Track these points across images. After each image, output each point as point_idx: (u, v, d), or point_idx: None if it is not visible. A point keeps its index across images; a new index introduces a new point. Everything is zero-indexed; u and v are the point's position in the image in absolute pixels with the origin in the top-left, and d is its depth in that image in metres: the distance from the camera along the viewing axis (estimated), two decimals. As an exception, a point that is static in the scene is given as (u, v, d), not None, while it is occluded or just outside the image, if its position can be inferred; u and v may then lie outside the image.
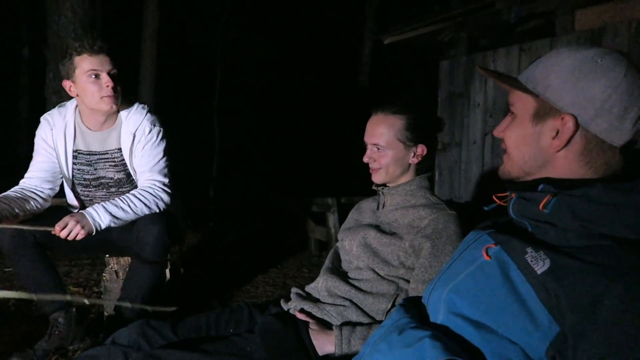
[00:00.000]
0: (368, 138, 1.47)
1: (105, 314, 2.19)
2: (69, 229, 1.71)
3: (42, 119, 2.03)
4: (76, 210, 2.09)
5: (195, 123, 8.32)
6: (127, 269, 1.98)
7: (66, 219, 1.73)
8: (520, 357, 0.70)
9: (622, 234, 0.71)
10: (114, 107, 1.93)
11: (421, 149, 1.45)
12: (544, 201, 0.77)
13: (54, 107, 5.41)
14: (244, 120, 9.04)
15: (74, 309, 2.01)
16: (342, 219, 3.85)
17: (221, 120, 8.45)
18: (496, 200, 0.93)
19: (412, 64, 9.03)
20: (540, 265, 0.72)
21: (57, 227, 1.71)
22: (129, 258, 2.13)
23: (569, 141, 0.80)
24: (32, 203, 1.91)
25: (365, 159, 1.49)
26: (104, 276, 2.21)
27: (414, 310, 0.92)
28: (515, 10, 3.44)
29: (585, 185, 0.77)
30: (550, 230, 0.78)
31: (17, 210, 1.83)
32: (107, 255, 2.20)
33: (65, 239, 1.72)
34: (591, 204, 0.74)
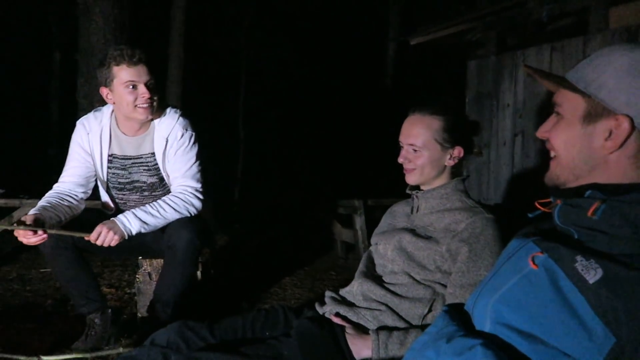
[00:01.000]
0: (404, 138, 1.46)
1: (139, 315, 2.23)
2: (102, 237, 1.75)
3: (78, 123, 2.08)
4: (111, 212, 2.13)
5: (220, 125, 8.40)
6: (160, 272, 2.01)
7: (99, 227, 1.77)
8: (574, 368, 0.68)
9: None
10: (149, 116, 1.97)
11: (458, 151, 1.43)
12: (593, 208, 0.75)
13: (84, 110, 5.53)
14: (268, 122, 9.10)
15: (110, 310, 2.05)
16: (368, 220, 3.84)
17: (246, 122, 8.52)
18: (539, 207, 0.90)
19: (437, 65, 8.93)
20: (592, 274, 0.70)
21: (92, 235, 1.76)
22: (162, 260, 2.16)
23: (623, 143, 0.78)
24: (69, 207, 1.95)
25: (400, 160, 1.47)
26: (137, 278, 2.25)
27: (459, 318, 0.91)
28: (547, 8, 3.37)
29: (635, 189, 0.75)
30: (600, 237, 0.76)
31: (60, 216, 1.88)
32: (140, 258, 2.23)
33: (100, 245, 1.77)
34: None
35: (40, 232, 1.71)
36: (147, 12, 7.27)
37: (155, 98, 1.95)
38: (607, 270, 0.69)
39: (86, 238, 1.76)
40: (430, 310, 1.33)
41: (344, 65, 9.88)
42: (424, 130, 1.42)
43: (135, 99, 1.91)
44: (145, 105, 1.92)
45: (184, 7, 6.34)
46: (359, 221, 3.76)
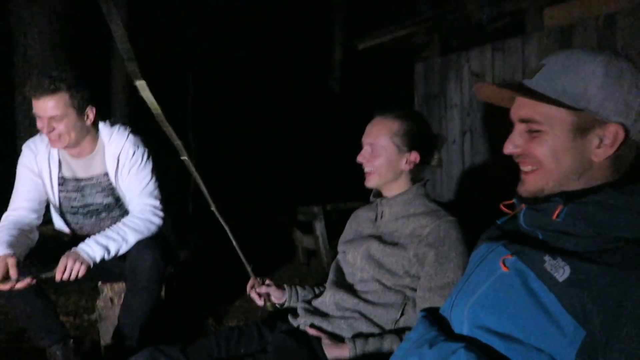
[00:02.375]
0: (365, 137, 1.50)
1: (102, 342, 2.15)
2: (69, 270, 1.69)
3: (24, 146, 1.99)
4: (68, 239, 2.05)
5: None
6: (123, 296, 1.95)
7: (63, 260, 1.71)
8: (550, 364, 0.73)
9: (634, 234, 0.74)
10: (59, 147, 1.89)
11: (414, 156, 1.47)
12: (557, 211, 0.79)
13: (25, 130, 5.24)
14: (220, 129, 8.97)
15: (72, 340, 1.97)
16: (328, 225, 3.87)
17: (197, 129, 8.38)
18: (505, 209, 0.95)
19: (383, 66, 9.12)
20: (561, 272, 0.75)
21: (58, 272, 1.70)
22: (124, 283, 2.10)
23: (617, 149, 0.82)
24: (29, 238, 1.86)
25: (359, 158, 1.51)
26: (98, 304, 2.17)
27: (437, 323, 0.94)
28: (486, 11, 3.52)
29: (593, 192, 0.80)
30: (563, 238, 0.80)
31: (26, 250, 1.81)
32: (100, 283, 2.16)
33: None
34: (602, 210, 0.77)
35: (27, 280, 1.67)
36: (88, 22, 7.03)
37: (62, 132, 1.83)
38: (574, 268, 0.74)
39: (57, 277, 1.69)
40: (402, 314, 1.36)
41: (294, 69, 9.92)
42: (383, 131, 1.46)
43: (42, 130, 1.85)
44: (50, 139, 1.85)
45: (127, 13, 6.17)
46: (319, 227, 3.78)
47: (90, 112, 1.89)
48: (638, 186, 0.79)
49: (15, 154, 5.36)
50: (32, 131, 5.05)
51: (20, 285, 1.64)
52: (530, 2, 3.37)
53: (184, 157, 1.62)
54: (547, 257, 0.78)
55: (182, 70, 8.57)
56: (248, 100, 9.50)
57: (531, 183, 0.89)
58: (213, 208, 1.71)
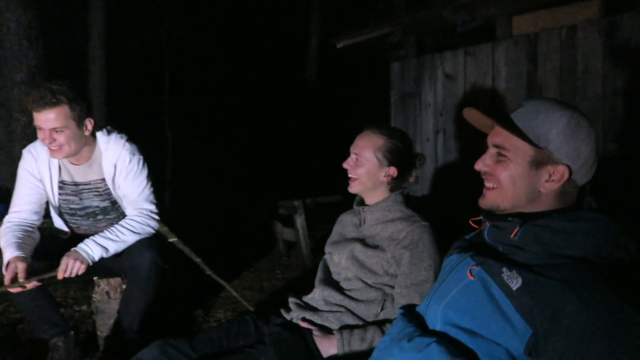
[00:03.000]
0: (353, 147, 1.67)
1: (99, 333, 2.28)
2: (70, 269, 1.82)
3: (25, 151, 2.08)
4: (66, 237, 2.17)
5: (148, 128, 8.21)
6: (124, 292, 2.08)
7: (64, 260, 1.84)
8: (505, 355, 0.91)
9: (573, 253, 0.94)
10: (59, 157, 1.99)
11: (392, 171, 1.64)
12: (515, 231, 0.98)
13: (1, 119, 5.19)
14: (197, 122, 8.99)
15: (72, 332, 2.09)
16: (308, 219, 4.05)
17: (173, 123, 8.38)
18: (474, 225, 1.13)
19: (358, 61, 9.26)
20: (515, 282, 0.94)
21: (60, 272, 1.82)
22: (119, 279, 2.23)
23: (560, 184, 1.01)
24: (33, 239, 1.97)
25: (345, 165, 1.68)
26: (94, 297, 2.29)
27: (414, 319, 1.12)
28: (460, 17, 3.71)
29: (543, 216, 0.99)
30: (518, 252, 0.99)
31: (30, 250, 1.91)
32: (96, 277, 2.28)
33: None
34: (549, 231, 0.96)
35: (34, 282, 1.78)
36: (64, 14, 6.94)
37: (63, 143, 1.92)
38: (525, 279, 0.93)
39: (59, 276, 1.81)
40: (382, 309, 1.55)
41: (269, 62, 9.96)
42: (369, 145, 1.63)
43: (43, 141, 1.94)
44: (51, 149, 1.94)
45: (103, 8, 6.13)
46: (300, 220, 3.95)
47: (89, 123, 1.99)
48: (578, 214, 0.98)
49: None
50: (9, 122, 5.02)
51: (28, 287, 1.76)
52: (501, 10, 3.57)
53: (174, 239, 1.86)
54: (504, 269, 0.97)
55: (158, 62, 8.53)
56: (224, 92, 9.52)
57: (489, 199, 1.09)
58: (208, 272, 1.93)
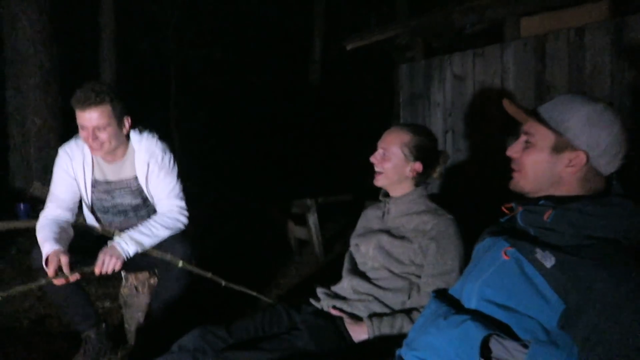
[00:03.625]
0: (380, 142, 1.76)
1: (127, 327, 2.35)
2: (106, 265, 1.90)
3: (60, 150, 2.15)
4: (97, 234, 2.24)
5: (154, 128, 8.29)
6: (156, 285, 2.16)
7: (101, 255, 1.92)
8: (539, 328, 0.99)
9: (603, 234, 1.02)
10: (99, 155, 2.07)
11: (418, 166, 1.72)
12: (548, 213, 1.06)
13: (16, 123, 5.31)
14: (203, 123, 9.09)
15: (104, 325, 2.17)
16: (319, 218, 4.12)
17: (180, 124, 8.47)
18: (506, 211, 1.22)
19: (363, 63, 9.36)
20: (548, 261, 1.01)
21: (97, 267, 1.90)
22: (147, 273, 2.31)
23: (578, 170, 1.10)
24: (68, 234, 2.05)
25: (372, 159, 1.76)
26: (122, 291, 2.37)
27: (447, 300, 1.20)
28: (469, 19, 3.79)
29: (575, 200, 1.07)
30: (550, 234, 1.07)
31: (67, 245, 1.98)
32: (124, 272, 2.35)
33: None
34: (580, 215, 1.04)
35: (76, 275, 1.85)
36: (75, 17, 7.04)
37: (104, 141, 1.99)
38: (558, 258, 1.01)
39: (96, 271, 1.89)
40: (409, 297, 1.62)
41: (274, 64, 10.06)
42: (396, 140, 1.71)
43: (86, 139, 2.01)
44: (92, 146, 2.01)
45: (114, 11, 6.23)
46: (312, 219, 4.03)
47: (127, 122, 2.08)
48: (606, 199, 1.06)
49: (7, 146, 5.40)
50: (25, 124, 5.10)
51: (72, 279, 1.84)
52: (509, 12, 3.65)
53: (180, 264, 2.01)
54: (537, 249, 1.05)
55: (165, 65, 8.64)
56: (230, 94, 9.61)
57: (514, 180, 1.20)
58: (224, 284, 2.03)
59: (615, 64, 2.89)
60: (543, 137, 1.13)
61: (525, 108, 1.19)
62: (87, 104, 1.92)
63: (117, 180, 2.16)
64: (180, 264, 1.96)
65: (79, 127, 2.00)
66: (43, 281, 1.84)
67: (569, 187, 1.12)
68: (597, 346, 0.91)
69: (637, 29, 2.78)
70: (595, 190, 1.11)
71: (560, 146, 1.11)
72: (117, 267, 1.91)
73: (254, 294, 2.21)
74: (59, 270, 1.82)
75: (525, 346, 1.00)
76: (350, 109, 9.35)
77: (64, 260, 1.81)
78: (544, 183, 1.14)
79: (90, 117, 1.94)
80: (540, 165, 1.13)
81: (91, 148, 2.02)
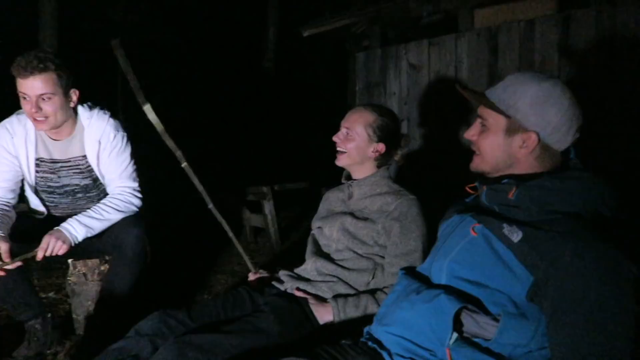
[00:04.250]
0: (344, 122, 1.74)
1: (75, 316, 2.23)
2: (51, 248, 1.78)
3: (0, 127, 2.00)
4: (42, 216, 2.11)
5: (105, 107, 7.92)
6: (107, 271, 2.05)
7: (46, 238, 1.79)
8: (509, 301, 1.01)
9: (565, 209, 1.04)
10: (42, 129, 1.92)
11: (381, 147, 1.72)
12: (512, 191, 1.08)
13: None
14: (157, 110, 8.77)
15: (50, 315, 2.05)
16: (275, 206, 4.08)
17: (128, 110, 8.14)
18: (470, 191, 1.23)
19: (317, 50, 9.32)
20: (516, 236, 1.03)
21: (40, 250, 1.77)
22: (97, 260, 2.19)
23: (533, 149, 1.12)
24: (9, 218, 1.90)
25: (335, 138, 1.74)
26: (69, 279, 2.24)
27: (417, 277, 1.20)
28: (425, 9, 3.84)
29: (536, 177, 1.10)
30: (515, 211, 1.09)
31: (6, 230, 1.84)
32: (71, 260, 2.22)
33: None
34: (543, 191, 1.06)
35: (17, 263, 1.72)
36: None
37: (49, 113, 1.86)
38: (525, 232, 1.02)
39: (39, 255, 1.76)
40: (373, 277, 1.62)
41: (227, 50, 9.85)
42: (360, 120, 1.71)
43: (29, 111, 1.87)
44: (36, 119, 1.87)
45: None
46: (268, 206, 3.98)
47: (74, 95, 1.95)
48: (565, 174, 1.09)
49: None
50: None
51: (10, 267, 1.71)
52: (463, 4, 3.73)
53: (184, 164, 1.85)
54: (505, 225, 1.06)
55: (111, 50, 8.25)
56: (183, 81, 9.34)
57: (474, 163, 1.24)
58: (210, 206, 1.94)
59: (562, 56, 3.01)
60: (495, 120, 1.16)
61: (476, 92, 1.21)
62: (30, 70, 1.78)
63: (64, 159, 2.03)
64: (185, 164, 1.89)
65: (21, 98, 1.85)
66: None
67: (527, 166, 1.15)
68: (565, 314, 0.93)
69: (584, 23, 2.90)
70: (554, 166, 1.15)
71: (512, 128, 1.14)
72: (62, 251, 1.79)
73: (238, 246, 2.17)
74: None
75: (496, 320, 1.01)
76: (305, 97, 9.31)
77: (4, 247, 1.68)
78: (501, 164, 1.17)
79: (33, 85, 1.80)
80: (497, 148, 1.16)
81: (35, 121, 1.88)
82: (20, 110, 2.06)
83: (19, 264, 1.74)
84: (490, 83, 3.42)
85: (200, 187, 1.94)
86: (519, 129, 1.13)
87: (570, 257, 0.94)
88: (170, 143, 2.01)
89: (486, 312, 1.02)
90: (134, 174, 2.08)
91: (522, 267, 1.00)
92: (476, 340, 1.03)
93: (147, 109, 1.98)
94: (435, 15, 4.15)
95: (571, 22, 2.98)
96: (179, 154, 1.86)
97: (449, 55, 3.73)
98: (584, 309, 0.91)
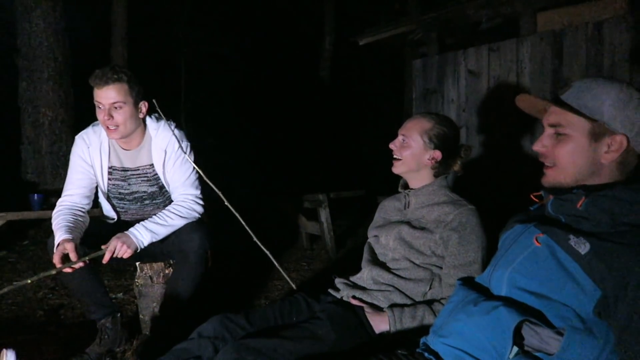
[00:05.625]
0: (401, 129, 1.74)
1: (141, 317, 2.35)
2: (117, 251, 1.89)
3: (77, 138, 2.15)
4: (113, 221, 2.24)
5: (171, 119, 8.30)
6: (170, 275, 2.15)
7: (114, 241, 1.90)
8: (573, 315, 0.97)
9: (637, 221, 0.99)
10: (114, 137, 2.05)
11: (437, 154, 1.70)
12: (581, 201, 1.04)
13: (29, 115, 5.35)
14: (213, 119, 9.08)
15: (119, 314, 2.17)
16: (331, 213, 4.11)
17: (190, 120, 8.48)
18: (535, 200, 1.19)
19: (374, 59, 9.32)
20: (583, 247, 0.99)
21: (108, 252, 1.88)
22: (162, 263, 2.30)
23: (619, 154, 1.07)
24: (83, 222, 2.04)
25: (391, 145, 1.74)
26: (137, 281, 2.36)
27: (475, 288, 1.18)
28: (485, 14, 3.76)
29: (608, 187, 1.05)
30: (583, 222, 1.05)
31: (80, 233, 1.98)
32: (138, 263, 2.34)
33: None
34: (614, 201, 1.01)
35: (81, 262, 1.83)
36: (87, 10, 7.06)
37: (120, 122, 1.99)
38: (593, 244, 0.98)
39: (106, 257, 1.88)
40: (430, 288, 1.60)
41: (284, 61, 10.05)
42: (417, 127, 1.70)
43: (102, 120, 2.01)
44: (108, 127, 2.00)
45: (125, 6, 6.23)
46: (324, 213, 4.01)
47: (144, 106, 2.08)
48: (639, 185, 1.04)
49: (19, 138, 5.41)
50: (37, 117, 5.12)
51: (76, 267, 1.83)
52: (525, 7, 3.61)
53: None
54: (571, 236, 1.02)
55: (175, 61, 8.65)
56: (240, 90, 9.61)
57: (550, 177, 1.15)
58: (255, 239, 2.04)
59: (635, 59, 2.85)
60: (577, 126, 1.09)
61: (548, 100, 1.16)
62: (105, 80, 1.94)
63: (133, 167, 2.15)
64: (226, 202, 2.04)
65: (96, 107, 2.00)
66: (53, 271, 1.82)
67: (608, 173, 1.09)
68: (635, 334, 0.88)
69: (658, 23, 2.74)
70: (629, 174, 1.09)
71: (598, 132, 1.07)
72: (127, 254, 1.90)
73: (280, 268, 2.23)
74: (64, 259, 1.81)
75: (560, 334, 0.97)
76: (361, 105, 9.32)
77: (70, 247, 1.80)
78: (584, 173, 1.10)
79: (107, 95, 1.95)
80: (580, 155, 1.09)
81: (107, 129, 2.02)
82: (95, 122, 2.21)
83: (81, 264, 1.83)
84: (554, 89, 3.29)
85: (243, 223, 2.06)
86: (605, 132, 1.07)
87: (641, 272, 0.90)
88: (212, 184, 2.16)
89: (549, 326, 0.99)
90: (197, 182, 2.17)
91: (590, 280, 0.96)
92: (538, 354, 0.99)
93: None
94: (495, 19, 4.06)
95: (644, 22, 2.82)
96: (220, 193, 2.02)
97: (510, 61, 3.63)
98: None
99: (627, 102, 1.06)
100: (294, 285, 2.13)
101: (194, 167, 2.16)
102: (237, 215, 2.15)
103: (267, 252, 2.17)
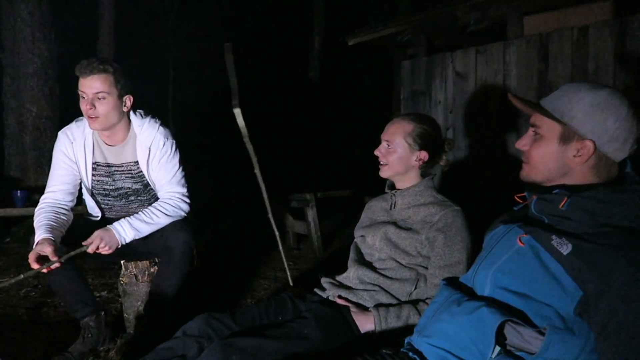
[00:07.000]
0: (383, 135, 1.75)
1: (125, 315, 2.33)
2: (100, 245, 1.87)
3: (60, 133, 2.12)
4: (97, 218, 2.22)
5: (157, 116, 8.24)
6: (156, 272, 2.13)
7: (95, 237, 1.88)
8: (555, 315, 0.98)
9: (618, 222, 1.01)
10: (97, 128, 2.03)
11: (423, 155, 1.71)
12: (563, 202, 1.06)
13: (12, 111, 5.27)
14: (201, 118, 9.04)
15: (103, 313, 2.14)
16: (318, 213, 4.11)
17: (177, 118, 8.42)
18: (519, 200, 1.21)
19: (362, 59, 9.34)
20: (565, 248, 1.01)
21: (91, 247, 1.87)
22: (147, 262, 2.28)
23: (588, 159, 1.09)
24: (66, 220, 2.02)
25: (376, 152, 1.76)
26: (121, 280, 2.34)
27: (458, 288, 1.19)
28: (473, 17, 3.79)
29: (590, 189, 1.07)
30: (566, 222, 1.06)
31: (62, 232, 1.95)
32: (123, 261, 2.32)
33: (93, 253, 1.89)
34: (596, 202, 1.03)
35: (57, 263, 1.80)
36: (73, 6, 6.98)
37: (102, 113, 1.97)
38: (575, 245, 1.00)
39: (90, 249, 1.86)
40: (415, 288, 1.61)
41: (274, 60, 10.02)
42: (399, 131, 1.71)
43: (85, 110, 1.99)
44: (90, 117, 1.98)
45: (112, 1, 6.17)
46: (311, 213, 4.02)
47: (128, 100, 2.06)
48: (621, 187, 1.06)
49: (2, 134, 5.33)
50: (21, 112, 5.05)
51: (54, 266, 1.80)
52: (512, 10, 3.65)
53: (257, 171, 1.97)
54: (554, 236, 1.04)
55: (163, 58, 8.58)
56: (228, 87, 9.57)
57: (524, 172, 1.22)
58: (269, 216, 2.04)
59: (618, 64, 2.90)
60: (550, 128, 1.13)
61: (530, 101, 1.19)
62: (90, 70, 1.92)
63: (118, 163, 2.13)
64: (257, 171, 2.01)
65: (80, 97, 1.98)
66: (32, 271, 1.80)
67: (580, 176, 1.12)
68: (614, 333, 0.90)
69: (641, 29, 2.79)
70: (609, 177, 1.11)
71: (567, 136, 1.11)
72: (109, 250, 1.89)
73: (283, 256, 2.24)
74: (42, 258, 1.79)
75: (541, 333, 0.99)
76: (349, 105, 9.34)
77: (49, 250, 1.77)
78: (554, 173, 1.14)
79: (91, 85, 1.94)
80: (549, 156, 1.14)
81: (89, 119, 1.99)
82: (79, 117, 2.19)
83: (57, 265, 1.81)
84: (540, 91, 3.32)
85: (265, 195, 2.03)
86: (574, 136, 1.10)
87: (622, 273, 0.91)
88: (250, 148, 2.09)
89: (531, 325, 1.00)
90: (183, 180, 2.16)
91: (571, 280, 0.97)
92: (519, 354, 1.01)
93: (237, 112, 2.07)
94: (483, 22, 4.09)
95: (628, 28, 2.86)
96: (255, 160, 1.95)
97: (497, 64, 3.66)
98: (637, 327, 0.87)
99: (602, 109, 1.07)
100: (291, 282, 2.11)
101: (180, 165, 2.15)
102: (262, 187, 2.15)
103: (277, 234, 2.17)
